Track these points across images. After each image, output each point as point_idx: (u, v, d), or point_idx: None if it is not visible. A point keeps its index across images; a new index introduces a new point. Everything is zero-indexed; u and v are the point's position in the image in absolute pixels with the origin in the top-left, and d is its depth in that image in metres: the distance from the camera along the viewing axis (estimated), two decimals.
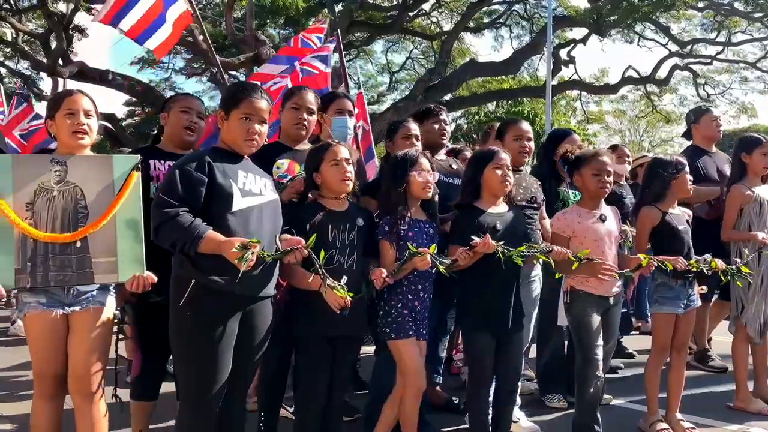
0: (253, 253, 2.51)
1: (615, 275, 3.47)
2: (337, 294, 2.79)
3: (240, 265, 2.48)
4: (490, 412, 3.46)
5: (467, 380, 3.51)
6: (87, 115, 2.85)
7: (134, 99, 17.00)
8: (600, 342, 3.57)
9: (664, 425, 3.85)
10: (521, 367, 3.53)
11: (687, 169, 3.89)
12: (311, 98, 3.71)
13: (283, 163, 3.42)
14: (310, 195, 3.22)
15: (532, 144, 4.14)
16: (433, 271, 3.19)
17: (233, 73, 18.72)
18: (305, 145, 3.67)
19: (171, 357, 3.37)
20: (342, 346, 3.13)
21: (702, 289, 4.00)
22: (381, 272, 3.03)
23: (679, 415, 3.94)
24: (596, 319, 3.58)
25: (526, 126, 4.18)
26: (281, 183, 3.34)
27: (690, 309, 3.87)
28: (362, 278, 3.07)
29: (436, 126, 4.25)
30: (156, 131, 3.75)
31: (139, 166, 2.84)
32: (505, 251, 3.14)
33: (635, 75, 18.02)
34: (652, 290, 3.90)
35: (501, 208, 3.44)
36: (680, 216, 3.88)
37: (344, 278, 2.84)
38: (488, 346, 3.37)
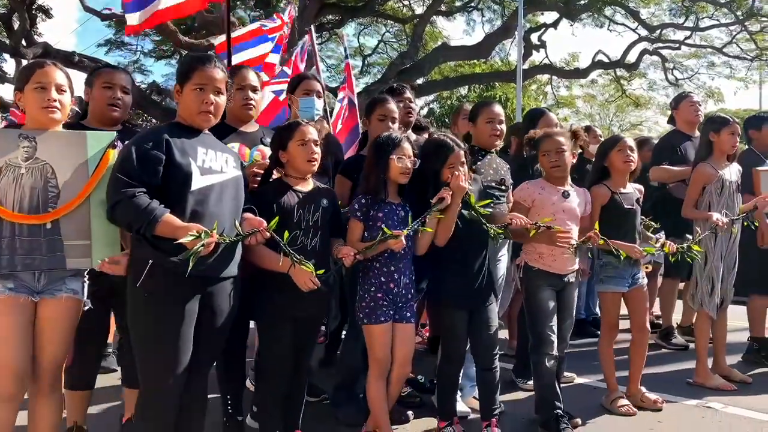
0: (206, 243, 2.47)
1: (571, 244, 3.52)
2: (305, 272, 2.80)
3: (192, 246, 2.45)
4: (459, 394, 3.51)
5: (439, 358, 3.53)
6: (59, 89, 2.64)
7: None
8: (553, 321, 3.61)
9: (624, 401, 3.92)
10: (496, 344, 3.55)
11: (621, 145, 3.93)
12: (252, 76, 3.64)
13: (234, 146, 3.33)
14: (275, 172, 3.20)
15: (503, 127, 4.14)
16: (408, 254, 3.20)
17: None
18: (252, 126, 3.63)
19: (114, 344, 3.33)
20: (305, 327, 3.12)
21: (647, 268, 4.07)
22: (349, 250, 3.02)
23: (642, 389, 4.01)
24: (549, 297, 3.62)
25: (498, 109, 4.17)
26: None
27: (636, 287, 3.94)
28: (326, 259, 3.05)
29: (401, 104, 4.23)
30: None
31: (116, 143, 2.68)
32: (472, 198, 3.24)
33: (605, 59, 18.14)
34: (598, 269, 3.98)
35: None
36: (630, 195, 3.93)
37: (313, 260, 2.85)
38: (462, 321, 3.40)
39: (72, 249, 2.56)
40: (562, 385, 4.24)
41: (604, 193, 3.88)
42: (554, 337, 3.60)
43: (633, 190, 3.99)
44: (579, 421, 3.65)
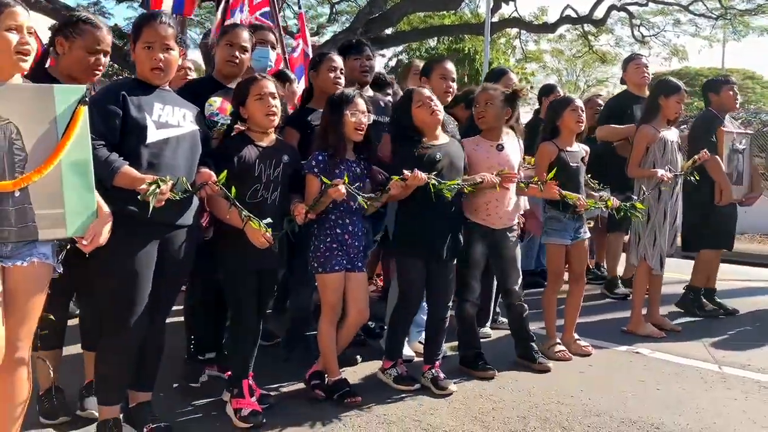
0: (160, 191, 2.58)
1: (513, 186, 3.75)
2: (257, 230, 2.93)
3: (149, 199, 2.57)
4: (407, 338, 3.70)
5: (396, 305, 3.70)
6: (29, 32, 2.36)
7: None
8: (478, 272, 3.86)
9: (560, 347, 4.18)
10: (452, 296, 3.74)
11: (574, 106, 4.09)
12: (245, 36, 3.69)
13: (216, 101, 3.46)
14: (236, 127, 3.28)
15: (455, 85, 4.24)
16: (361, 208, 3.32)
17: None
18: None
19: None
20: (263, 278, 3.26)
21: (590, 223, 4.29)
22: (302, 208, 3.14)
23: (575, 335, 4.28)
24: (479, 250, 3.83)
25: (450, 66, 4.28)
26: (212, 120, 3.39)
27: (579, 240, 4.17)
28: (285, 213, 3.17)
29: (358, 63, 4.26)
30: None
31: (86, 99, 2.40)
32: (436, 183, 3.30)
33: (573, 14, 18.15)
34: (544, 222, 4.19)
35: (441, 139, 3.58)
36: (576, 153, 4.12)
37: (268, 219, 2.98)
38: (421, 272, 3.57)
39: (44, 218, 2.30)
40: (508, 332, 4.50)
41: (552, 150, 4.05)
42: (477, 286, 3.86)
43: (579, 148, 4.16)
44: (495, 372, 3.85)
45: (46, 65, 3.10)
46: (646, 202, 4.34)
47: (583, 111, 4.11)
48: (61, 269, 2.46)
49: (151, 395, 3.06)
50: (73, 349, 3.40)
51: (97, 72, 3.03)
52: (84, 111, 2.38)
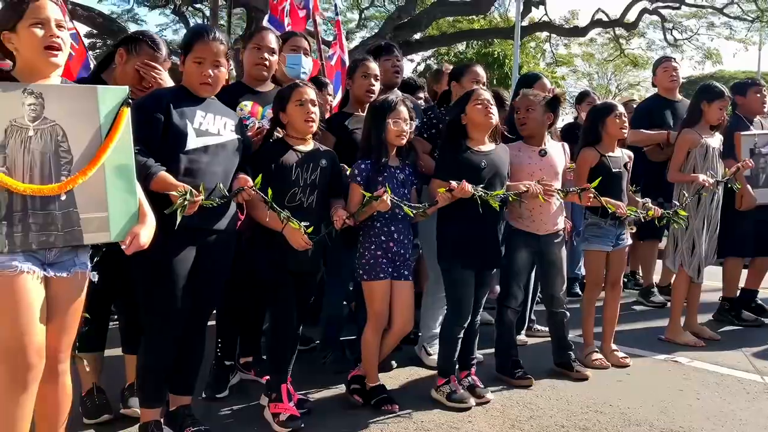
0: (190, 201, 2.61)
1: (557, 192, 3.65)
2: (296, 231, 2.97)
3: (175, 201, 2.61)
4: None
5: (446, 320, 3.63)
6: (59, 26, 2.26)
7: (95, 32, 16.50)
8: (522, 280, 3.84)
9: (598, 355, 4.13)
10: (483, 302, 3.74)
11: (617, 112, 4.04)
12: (272, 38, 3.73)
13: (247, 105, 3.52)
14: (276, 133, 3.31)
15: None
16: (402, 214, 3.31)
17: (198, 5, 18.28)
18: (268, 86, 3.73)
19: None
20: (302, 281, 3.28)
21: (632, 229, 4.23)
22: (342, 214, 3.16)
23: (613, 346, 4.23)
24: (524, 257, 3.81)
25: (481, 70, 4.29)
26: (245, 124, 3.42)
27: (620, 247, 4.12)
28: (323, 217, 3.19)
29: (389, 63, 4.32)
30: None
31: (129, 100, 2.38)
32: (483, 195, 3.29)
33: (604, 18, 18.01)
34: (584, 229, 4.14)
35: (487, 146, 3.55)
36: (619, 159, 4.06)
37: (306, 222, 3.01)
38: (472, 283, 3.52)
39: (89, 222, 2.26)
40: (544, 339, 4.47)
41: (593, 156, 4.01)
42: (520, 293, 3.84)
43: (622, 154, 4.12)
44: (532, 380, 3.81)
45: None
46: (687, 209, 4.28)
47: (626, 117, 4.06)
48: (97, 277, 2.41)
49: (191, 399, 3.10)
50: (113, 352, 3.44)
51: (142, 90, 3.09)
52: (127, 113, 2.35)
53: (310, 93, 3.22)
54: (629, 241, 4.20)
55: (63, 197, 2.21)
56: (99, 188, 2.29)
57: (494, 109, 3.53)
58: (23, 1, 2.24)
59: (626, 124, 4.05)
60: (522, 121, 3.81)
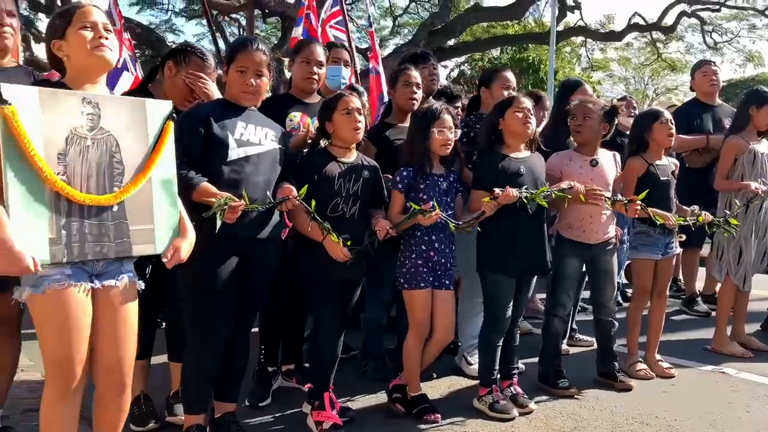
0: (226, 210, 2.63)
1: (603, 199, 3.59)
2: (336, 243, 2.99)
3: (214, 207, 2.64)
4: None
5: (483, 329, 3.60)
6: (106, 29, 2.28)
7: (134, 42, 16.90)
8: (571, 289, 3.79)
9: (642, 365, 4.06)
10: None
11: (664, 119, 3.97)
12: (320, 51, 3.77)
13: (296, 116, 3.57)
14: (321, 143, 3.34)
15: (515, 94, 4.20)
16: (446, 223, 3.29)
17: (234, 15, 18.52)
18: (315, 98, 3.77)
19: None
20: (345, 290, 3.29)
21: (681, 237, 4.15)
22: (385, 224, 3.16)
23: (657, 356, 4.15)
24: (574, 266, 3.77)
25: (511, 75, 4.27)
26: (294, 134, 3.48)
27: (669, 256, 4.04)
28: (365, 228, 3.20)
29: (426, 71, 4.33)
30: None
31: (174, 114, 2.42)
32: (528, 195, 3.28)
33: (641, 22, 17.77)
34: (632, 237, 4.08)
35: (523, 153, 3.53)
36: (666, 167, 4.00)
37: (346, 235, 3.03)
38: (512, 292, 3.49)
39: (137, 234, 2.28)
40: (586, 349, 4.41)
41: (640, 164, 3.95)
42: (569, 303, 3.81)
43: (669, 162, 4.06)
44: (576, 390, 3.76)
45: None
46: (737, 217, 4.18)
47: (673, 124, 3.99)
48: (143, 285, 2.42)
49: (235, 406, 3.13)
50: (158, 359, 3.49)
51: (191, 102, 3.16)
52: (171, 127, 2.39)
53: (357, 102, 3.24)
54: (678, 250, 4.13)
55: (115, 208, 2.22)
56: (146, 201, 2.31)
57: (533, 119, 3.51)
58: (71, 8, 2.29)
59: (673, 131, 3.99)
60: (577, 129, 3.77)
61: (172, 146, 2.39)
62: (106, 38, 2.26)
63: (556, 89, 15.33)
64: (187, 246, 2.41)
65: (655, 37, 19.80)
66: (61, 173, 2.09)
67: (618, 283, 5.87)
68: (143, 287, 2.41)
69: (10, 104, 1.99)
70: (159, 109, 2.38)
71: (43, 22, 18.59)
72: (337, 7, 6.09)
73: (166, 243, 2.36)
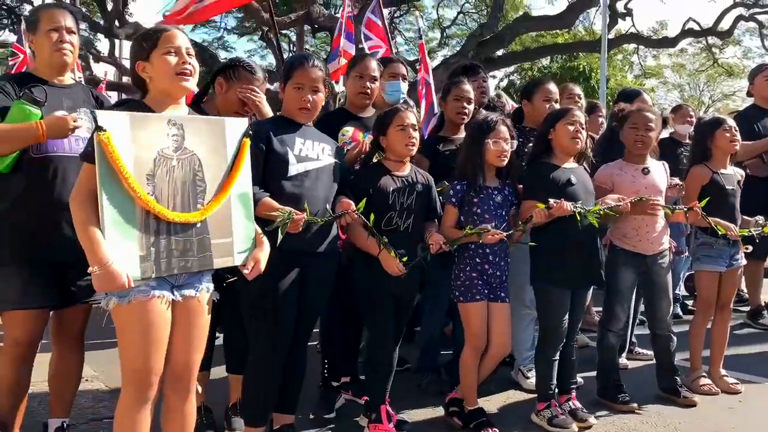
0: (288, 223, 2.68)
1: (662, 210, 3.51)
2: (392, 258, 3.01)
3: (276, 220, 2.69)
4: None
5: (539, 342, 3.57)
6: (189, 54, 2.38)
7: None
8: (626, 301, 3.69)
9: (706, 380, 3.93)
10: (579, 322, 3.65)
11: (727, 126, 3.87)
12: (374, 66, 3.80)
13: (348, 131, 3.61)
14: (375, 157, 3.36)
15: (558, 107, 4.13)
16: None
17: (284, 31, 18.82)
18: (369, 111, 3.81)
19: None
20: (400, 303, 3.29)
21: (747, 248, 4.01)
22: (438, 239, 3.16)
23: (722, 371, 4.02)
24: (629, 278, 3.67)
25: (553, 87, 4.21)
26: (346, 149, 3.51)
27: (734, 268, 3.91)
28: (418, 241, 3.21)
29: (475, 84, 4.31)
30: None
31: (250, 132, 2.53)
32: (582, 211, 3.23)
33: (696, 27, 17.34)
34: (695, 249, 3.96)
35: (571, 164, 3.51)
36: (731, 176, 3.89)
37: (401, 250, 3.05)
38: (567, 305, 3.44)
39: (218, 248, 2.39)
40: (646, 363, 4.30)
41: (704, 173, 3.87)
42: (624, 315, 3.71)
43: (734, 171, 3.95)
44: (636, 405, 3.67)
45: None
46: None
47: (737, 131, 3.88)
48: (218, 296, 2.51)
49: (294, 418, 3.16)
50: (216, 371, 3.55)
51: (245, 115, 3.20)
52: (248, 144, 2.48)
53: (412, 117, 3.25)
54: (743, 261, 3.99)
55: (198, 224, 2.33)
56: (226, 215, 2.41)
57: (583, 133, 3.47)
58: (156, 31, 2.38)
59: (737, 138, 3.87)
60: (640, 139, 3.68)
61: (248, 163, 2.49)
62: (189, 63, 2.35)
63: (608, 97, 15.09)
64: (265, 257, 2.51)
65: (711, 43, 19.30)
66: (150, 193, 2.20)
67: (677, 295, 5.74)
68: (217, 299, 2.50)
69: (105, 131, 2.11)
70: (236, 127, 2.48)
71: (102, 42, 19.30)
72: (376, 18, 6.13)
73: (245, 255, 2.47)
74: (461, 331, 3.48)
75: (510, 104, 5.11)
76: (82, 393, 3.50)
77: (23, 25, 3.08)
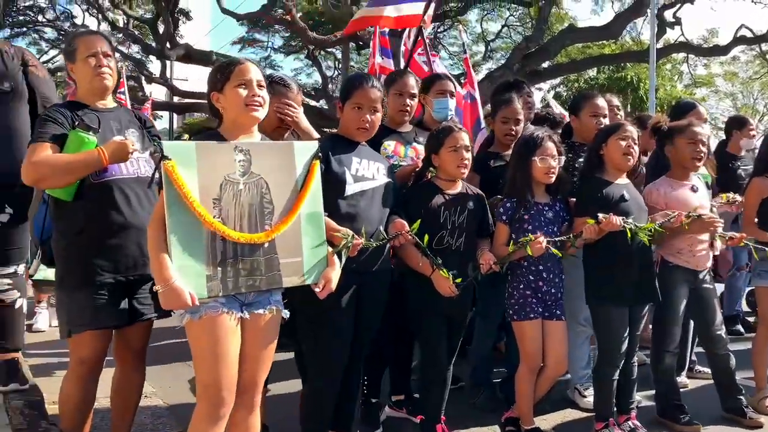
0: (349, 247, 2.68)
1: (720, 229, 3.42)
2: (444, 279, 3.00)
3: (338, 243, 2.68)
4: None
5: (598, 362, 3.49)
6: (259, 86, 2.49)
7: None
8: (681, 318, 3.59)
9: None
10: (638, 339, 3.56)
11: None
12: (412, 82, 3.82)
13: (390, 145, 3.63)
14: (427, 174, 3.36)
15: (607, 121, 4.04)
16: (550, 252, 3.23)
17: (330, 50, 19.09)
18: (408, 127, 3.83)
19: None
20: (453, 321, 3.28)
21: None
22: (489, 258, 3.15)
23: None
24: (683, 294, 3.57)
25: (601, 102, 4.10)
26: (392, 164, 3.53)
27: None
28: (471, 259, 3.20)
29: (522, 101, 4.26)
30: None
31: (320, 154, 2.60)
32: (633, 227, 3.17)
33: (749, 34, 16.92)
34: (757, 264, 3.84)
35: (623, 179, 3.45)
36: None
37: (454, 271, 3.03)
38: (625, 322, 3.38)
39: (287, 267, 2.45)
40: (707, 382, 4.17)
41: (766, 186, 3.78)
42: (678, 333, 3.60)
43: None
44: (700, 426, 3.56)
45: None
46: None
47: None
48: (288, 314, 2.56)
49: None
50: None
51: (285, 129, 3.27)
52: (318, 165, 2.55)
53: (465, 138, 3.23)
54: None
55: (266, 244, 2.40)
56: (295, 235, 2.48)
57: (636, 149, 3.40)
58: (231, 64, 2.51)
59: None
60: (698, 155, 3.58)
61: (318, 184, 2.55)
62: (259, 96, 2.46)
63: (657, 108, 14.80)
64: (336, 277, 2.56)
65: (765, 50, 18.79)
66: (216, 216, 2.31)
67: (738, 311, 5.57)
68: (287, 316, 2.55)
69: (170, 159, 2.24)
70: (306, 149, 2.56)
71: (153, 64, 19.88)
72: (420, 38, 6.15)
73: (314, 274, 2.52)
74: (515, 349, 3.45)
75: (559, 109, 5.05)
76: (142, 409, 3.55)
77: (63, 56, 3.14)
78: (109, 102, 3.01)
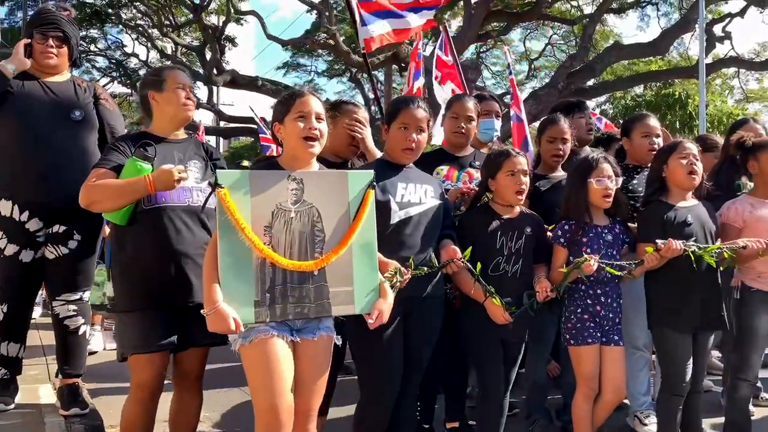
0: (400, 281, 2.65)
1: None
2: (497, 306, 2.95)
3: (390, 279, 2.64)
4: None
5: (661, 390, 3.37)
6: (318, 118, 2.54)
7: None
8: (763, 347, 3.43)
9: None
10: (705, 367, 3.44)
11: None
12: (471, 106, 3.76)
13: (443, 169, 3.60)
14: (484, 198, 3.31)
15: (660, 141, 3.91)
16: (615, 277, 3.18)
17: (373, 72, 19.25)
18: (467, 151, 3.78)
19: None
20: (508, 348, 3.21)
21: None
22: (546, 286, 3.08)
23: None
24: (765, 321, 3.40)
25: (653, 122, 3.95)
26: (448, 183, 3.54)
27: None
28: (528, 285, 3.13)
29: (583, 121, 4.21)
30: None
31: (374, 183, 2.59)
32: (696, 250, 3.06)
33: None
34: None
35: (690, 201, 3.33)
36: None
37: (508, 299, 2.99)
38: (689, 349, 3.25)
39: (336, 295, 2.45)
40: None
41: None
42: (759, 363, 3.43)
43: None
44: None
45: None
46: None
47: None
48: (340, 341, 2.58)
49: None
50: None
51: (356, 147, 3.37)
52: (372, 194, 2.54)
53: (523, 163, 3.17)
54: None
55: (316, 273, 2.42)
56: (347, 264, 2.47)
57: (699, 165, 3.28)
58: (292, 96, 2.57)
59: None
60: None
61: (372, 213, 2.54)
62: (316, 129, 2.50)
63: (708, 125, 14.45)
64: (388, 308, 2.54)
65: None
66: (267, 243, 2.35)
67: None
68: (339, 343, 2.58)
69: (223, 187, 2.31)
70: (360, 179, 2.57)
71: (200, 89, 20.30)
72: (444, 56, 6.13)
73: (365, 304, 2.50)
74: (572, 375, 3.35)
75: (604, 121, 4.94)
76: None
77: (141, 86, 3.26)
78: (181, 133, 3.12)
